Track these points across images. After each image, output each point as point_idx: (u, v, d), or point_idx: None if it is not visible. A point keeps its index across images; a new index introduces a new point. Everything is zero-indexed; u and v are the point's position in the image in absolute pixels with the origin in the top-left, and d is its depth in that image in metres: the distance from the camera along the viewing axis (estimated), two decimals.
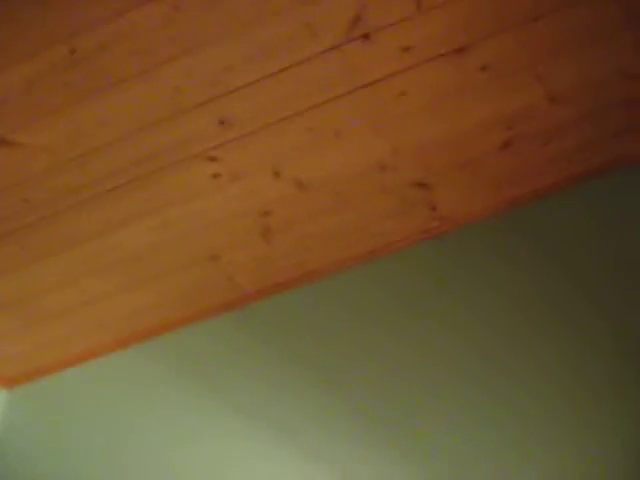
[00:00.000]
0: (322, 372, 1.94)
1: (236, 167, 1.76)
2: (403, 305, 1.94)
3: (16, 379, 2.26)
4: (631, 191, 1.87)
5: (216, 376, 2.02)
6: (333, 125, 1.71)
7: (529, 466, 1.75)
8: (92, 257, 1.91)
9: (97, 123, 1.63)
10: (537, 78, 1.70)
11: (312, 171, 1.79)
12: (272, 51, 1.55)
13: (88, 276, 1.96)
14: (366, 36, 1.56)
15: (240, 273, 2.00)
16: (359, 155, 1.78)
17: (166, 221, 1.86)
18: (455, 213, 1.96)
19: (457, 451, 1.80)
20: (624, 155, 1.91)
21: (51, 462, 2.14)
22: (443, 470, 1.81)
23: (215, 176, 1.77)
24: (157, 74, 1.57)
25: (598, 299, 1.82)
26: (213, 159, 1.74)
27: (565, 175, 1.94)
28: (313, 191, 1.83)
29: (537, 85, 1.72)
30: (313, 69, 1.61)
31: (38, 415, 2.20)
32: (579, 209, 1.91)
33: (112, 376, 2.14)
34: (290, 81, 1.62)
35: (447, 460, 1.81)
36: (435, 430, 1.83)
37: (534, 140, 1.83)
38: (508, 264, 1.91)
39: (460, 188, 1.91)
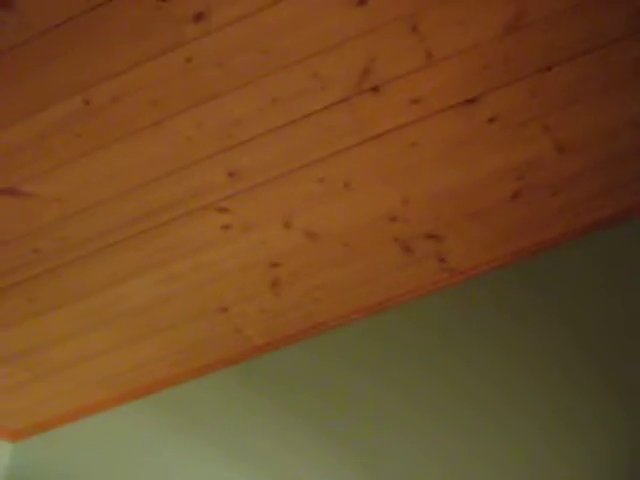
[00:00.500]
0: (325, 426, 1.91)
1: (246, 218, 1.75)
2: (406, 359, 1.92)
3: (21, 432, 2.22)
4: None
5: (218, 429, 1.99)
6: (343, 176, 1.71)
7: None
8: (98, 310, 1.89)
9: (108, 174, 1.63)
10: (546, 129, 1.71)
11: (322, 222, 1.78)
12: (282, 103, 1.56)
13: (94, 329, 1.94)
14: (376, 88, 1.57)
15: (248, 325, 1.98)
16: (369, 206, 1.77)
17: (174, 273, 1.84)
18: (464, 265, 1.95)
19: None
20: (634, 206, 1.91)
21: None
22: None
23: (225, 227, 1.76)
24: (168, 125, 1.58)
25: (597, 353, 1.80)
26: (223, 210, 1.73)
27: (574, 226, 1.94)
28: (323, 242, 1.82)
29: (546, 135, 1.73)
30: (323, 121, 1.61)
31: (42, 467, 2.16)
32: (587, 261, 1.91)
33: (116, 430, 2.11)
34: (300, 133, 1.63)
35: None
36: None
37: (543, 191, 1.83)
38: (512, 317, 1.90)
39: (470, 239, 1.90)
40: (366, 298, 1.97)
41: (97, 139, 1.55)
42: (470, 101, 1.62)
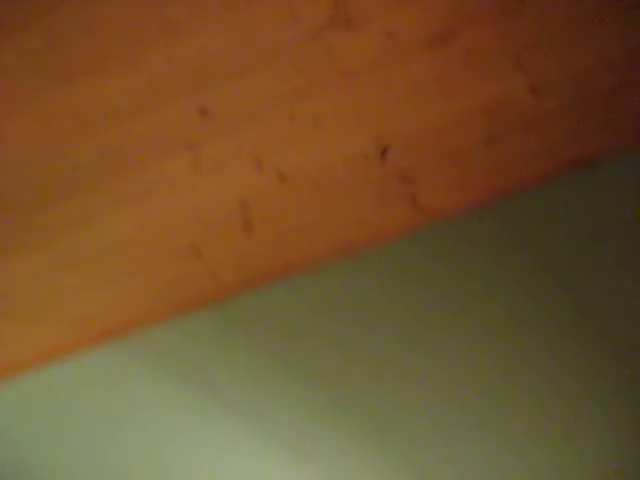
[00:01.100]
0: (304, 366, 1.91)
1: (217, 158, 1.73)
2: (386, 299, 1.92)
3: None
4: (616, 183, 1.87)
5: (198, 371, 1.99)
6: (315, 115, 1.69)
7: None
8: (67, 251, 1.87)
9: (72, 111, 1.59)
10: (520, 69, 1.69)
11: (294, 162, 1.77)
12: (253, 36, 1.53)
13: (63, 271, 1.92)
14: (348, 22, 1.54)
15: (221, 267, 1.97)
16: (341, 146, 1.76)
17: (143, 213, 1.82)
18: (437, 206, 1.94)
19: (445, 445, 1.79)
20: (608, 147, 1.90)
21: (32, 456, 2.09)
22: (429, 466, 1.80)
23: (195, 167, 1.74)
24: (137, 61, 1.55)
25: (581, 291, 1.81)
26: (193, 149, 1.71)
27: (547, 168, 1.93)
28: (295, 182, 1.80)
29: (520, 76, 1.71)
30: (295, 57, 1.59)
31: (10, 411, 2.15)
32: (562, 203, 1.91)
33: (87, 373, 2.10)
34: (271, 69, 1.60)
35: (432, 456, 1.80)
36: (422, 425, 1.82)
37: (517, 132, 1.82)
38: (489, 258, 1.90)
39: (443, 180, 1.89)
40: (339, 239, 1.96)
41: (59, 74, 1.51)
42: (442, 38, 1.59)
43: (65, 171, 1.69)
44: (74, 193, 1.74)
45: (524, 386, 1.85)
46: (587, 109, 1.81)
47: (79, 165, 1.69)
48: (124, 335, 2.10)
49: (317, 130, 1.72)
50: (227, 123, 1.68)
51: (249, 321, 1.97)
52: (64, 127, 1.60)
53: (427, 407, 1.89)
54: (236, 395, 1.94)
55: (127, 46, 1.51)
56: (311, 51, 1.56)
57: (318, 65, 1.59)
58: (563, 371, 1.81)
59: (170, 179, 1.76)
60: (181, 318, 2.04)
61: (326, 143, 1.74)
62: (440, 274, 1.89)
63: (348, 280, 1.94)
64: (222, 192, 1.80)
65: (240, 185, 1.79)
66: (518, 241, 1.88)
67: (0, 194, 1.68)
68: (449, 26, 1.57)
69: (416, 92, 1.69)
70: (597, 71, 1.73)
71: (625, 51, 1.69)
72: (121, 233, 1.85)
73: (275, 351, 1.93)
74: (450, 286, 1.87)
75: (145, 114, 1.64)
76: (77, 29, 1.43)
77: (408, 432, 1.89)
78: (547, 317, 1.82)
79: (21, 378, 2.19)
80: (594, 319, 1.80)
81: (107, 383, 2.06)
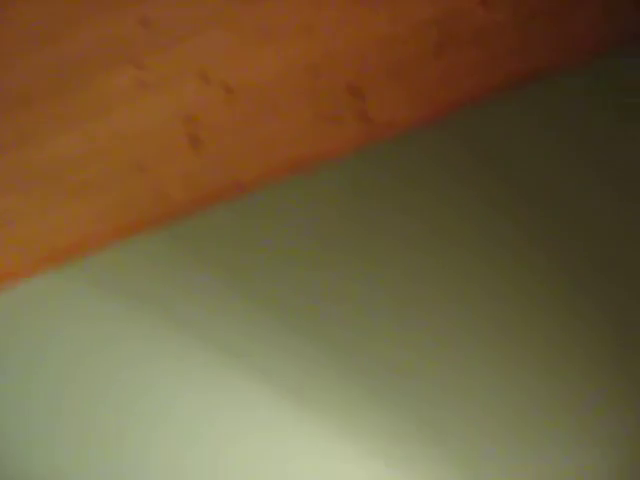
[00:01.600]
0: (257, 282, 1.92)
1: (161, 72, 1.68)
2: (337, 215, 1.92)
3: None
4: (564, 94, 1.87)
5: (148, 291, 1.98)
6: (262, 26, 1.64)
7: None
8: (10, 171, 1.82)
9: (14, 27, 1.53)
10: None
11: (241, 75, 1.73)
12: None
13: (7, 192, 1.87)
14: None
15: (170, 185, 1.94)
16: (289, 58, 1.72)
17: (87, 132, 1.77)
18: (387, 120, 1.93)
19: (400, 362, 1.83)
20: (552, 60, 1.91)
21: None
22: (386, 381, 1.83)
23: (140, 83, 1.69)
24: None
25: (536, 200, 1.85)
26: (136, 64, 1.66)
27: (495, 80, 1.93)
28: (243, 96, 1.77)
29: None
30: None
31: None
32: (512, 116, 1.91)
33: (35, 298, 2.07)
34: None
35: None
36: (379, 344, 1.85)
37: (466, 44, 1.81)
38: (444, 171, 1.91)
39: (393, 94, 1.88)
40: (289, 155, 1.93)
41: None
42: None
43: (6, 88, 1.63)
44: (11, 113, 1.68)
45: (485, 294, 1.89)
46: (534, 23, 1.80)
47: (14, 85, 1.63)
48: (72, 258, 2.06)
49: (264, 42, 1.68)
50: (170, 35, 1.63)
51: (200, 240, 1.95)
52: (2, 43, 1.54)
53: (385, 324, 1.92)
54: (188, 314, 1.94)
55: None
56: None
57: None
58: (530, 278, 1.85)
59: (113, 96, 1.71)
60: (131, 239, 2.01)
61: (273, 55, 1.70)
62: (393, 187, 1.89)
63: (299, 196, 1.93)
64: (167, 108, 1.75)
65: (186, 100, 1.74)
66: (471, 152, 1.88)
67: None
68: None
69: (365, 3, 1.66)
70: None
71: None
72: (64, 153, 1.80)
73: (228, 268, 1.93)
74: (403, 199, 1.88)
75: (82, 27, 1.57)
76: None
77: (364, 350, 1.92)
78: (501, 224, 1.85)
79: None
80: (554, 223, 1.83)
81: (55, 307, 2.04)
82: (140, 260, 1.99)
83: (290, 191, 1.94)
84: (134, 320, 2.01)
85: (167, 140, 1.82)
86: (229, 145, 1.87)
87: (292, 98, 1.80)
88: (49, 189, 1.88)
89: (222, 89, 1.74)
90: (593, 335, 1.90)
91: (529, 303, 1.89)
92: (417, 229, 1.90)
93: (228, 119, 1.81)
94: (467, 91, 1.91)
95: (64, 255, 2.04)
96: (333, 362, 1.94)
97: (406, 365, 1.95)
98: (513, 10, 1.78)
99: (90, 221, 1.99)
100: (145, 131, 1.80)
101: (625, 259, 1.85)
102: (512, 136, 1.88)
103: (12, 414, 2.10)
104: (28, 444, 2.12)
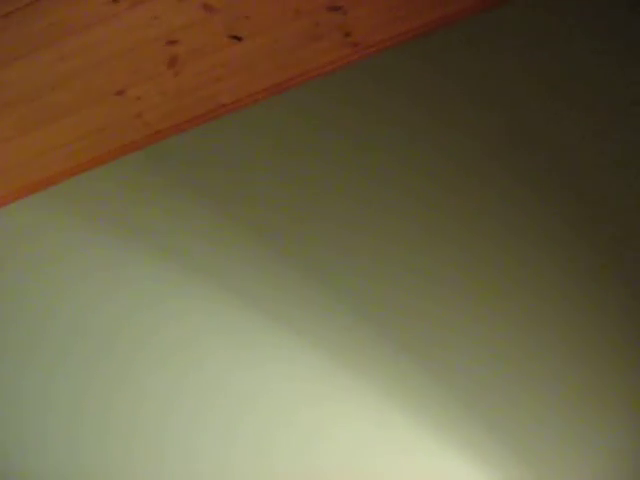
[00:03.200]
0: (239, 206, 1.91)
1: None
2: (322, 133, 1.91)
3: None
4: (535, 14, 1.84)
5: (132, 217, 1.97)
6: None
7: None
8: None
9: None
10: None
11: None
12: None
13: None
14: None
15: (149, 109, 1.90)
16: None
17: (63, 54, 1.72)
18: (370, 38, 1.89)
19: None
20: None
21: None
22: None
23: (114, 0, 1.63)
24: None
25: (516, 131, 1.85)
26: None
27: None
28: (222, 14, 1.71)
29: None
30: None
31: None
32: (490, 34, 1.88)
33: (15, 226, 2.05)
34: None
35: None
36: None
37: None
38: (427, 85, 1.89)
39: (375, 11, 1.83)
40: (270, 76, 1.89)
41: None
42: None
43: None
44: None
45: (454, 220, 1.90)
46: None
47: None
48: (49, 185, 2.04)
49: None
50: None
51: (179, 162, 1.93)
52: None
53: (369, 243, 1.93)
54: (166, 237, 1.93)
55: None
56: None
57: None
58: (495, 197, 1.86)
59: (86, 14, 1.65)
60: (109, 164, 1.99)
61: None
62: (377, 101, 1.87)
63: (280, 114, 1.90)
64: (144, 28, 1.70)
65: (164, 19, 1.69)
66: (449, 69, 1.86)
67: None
68: None
69: None
70: None
71: None
72: (40, 77, 1.75)
73: (208, 190, 1.91)
74: (388, 112, 1.86)
75: None
76: None
77: (336, 274, 1.94)
78: (481, 157, 1.85)
79: None
80: (535, 156, 1.84)
81: (35, 235, 2.03)
82: (119, 185, 1.97)
83: (270, 109, 1.91)
84: (115, 246, 2.01)
85: (145, 61, 1.77)
86: (209, 66, 1.82)
87: (272, 17, 1.75)
88: (23, 112, 1.84)
89: (200, 7, 1.69)
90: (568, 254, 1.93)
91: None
92: (404, 142, 1.89)
93: (207, 39, 1.76)
94: (449, 11, 1.87)
95: (42, 183, 2.01)
96: (316, 286, 1.96)
97: (392, 285, 1.98)
98: None
99: (68, 145, 1.95)
100: (121, 51, 1.75)
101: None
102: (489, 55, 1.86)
103: None
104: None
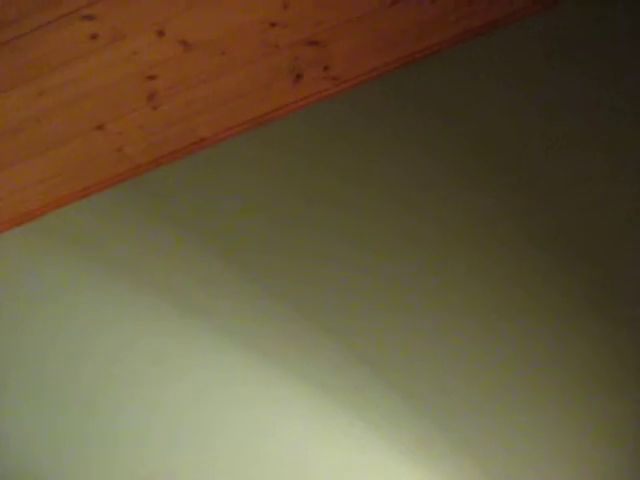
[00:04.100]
0: (223, 241, 1.92)
1: (116, 26, 1.64)
2: (304, 166, 1.92)
3: None
4: (520, 46, 1.87)
5: (107, 251, 1.97)
6: None
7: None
8: None
9: None
10: None
11: (198, 29, 1.69)
12: None
13: None
14: None
15: (128, 143, 1.91)
16: (247, 10, 1.68)
17: (43, 90, 1.73)
18: (348, 72, 1.91)
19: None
20: (504, 16, 1.89)
21: None
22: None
23: (93, 37, 1.65)
24: None
25: (489, 151, 1.86)
26: (90, 18, 1.61)
27: (450, 34, 1.91)
28: (200, 51, 1.73)
29: None
30: None
31: None
32: (462, 70, 1.90)
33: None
34: None
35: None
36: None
37: None
38: (399, 124, 1.91)
39: (352, 46, 1.85)
40: (249, 110, 1.91)
41: None
42: None
43: None
44: None
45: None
46: None
47: None
48: (32, 219, 2.04)
49: None
50: None
51: (159, 195, 1.94)
52: None
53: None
54: (147, 269, 1.94)
55: None
56: None
57: None
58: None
59: (67, 51, 1.67)
60: (91, 197, 1.99)
61: (231, 9, 1.67)
62: (356, 134, 1.89)
63: (258, 147, 1.92)
64: (124, 63, 1.72)
65: (142, 56, 1.71)
66: (425, 102, 1.88)
67: None
68: None
69: None
70: None
71: None
72: (21, 113, 1.76)
73: (188, 223, 1.92)
74: (367, 149, 1.88)
75: None
76: None
77: (328, 303, 1.94)
78: (469, 165, 1.86)
79: None
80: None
81: (19, 267, 2.02)
82: (100, 219, 1.98)
83: (250, 142, 1.93)
84: (94, 281, 2.01)
85: (125, 96, 1.79)
86: (188, 100, 1.84)
87: (250, 52, 1.77)
88: (2, 147, 1.84)
89: (179, 44, 1.71)
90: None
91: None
92: (392, 177, 1.90)
93: (186, 74, 1.77)
94: (426, 44, 1.90)
95: (22, 217, 2.01)
96: (306, 324, 1.97)
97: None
98: None
99: (48, 179, 1.96)
100: (102, 87, 1.76)
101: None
102: (469, 87, 1.89)
103: None
104: None
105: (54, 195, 2.01)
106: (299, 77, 1.88)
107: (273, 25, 1.73)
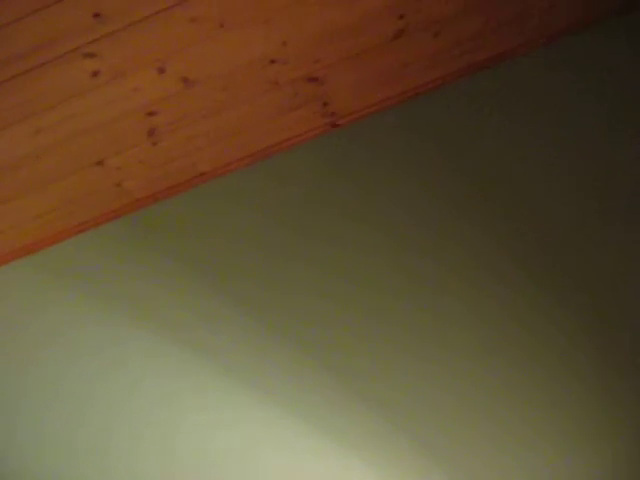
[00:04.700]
0: (221, 276, 1.92)
1: (116, 64, 1.65)
2: (294, 203, 1.92)
3: None
4: (521, 82, 1.89)
5: (105, 285, 1.96)
6: (217, 16, 1.62)
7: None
8: None
9: None
10: None
11: (198, 66, 1.70)
12: None
13: None
14: None
15: (128, 178, 1.91)
16: (246, 48, 1.70)
17: (43, 127, 1.73)
18: (348, 108, 1.93)
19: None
20: (512, 48, 1.91)
21: None
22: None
23: (94, 74, 1.65)
24: None
25: (489, 187, 1.87)
26: (91, 56, 1.62)
27: (454, 69, 1.93)
28: (200, 87, 1.74)
29: None
30: None
31: None
32: (465, 105, 1.92)
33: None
34: None
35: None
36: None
37: (424, 31, 1.80)
38: (399, 159, 1.92)
39: (352, 82, 1.87)
40: (248, 145, 1.92)
41: None
42: None
43: None
44: None
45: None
46: (492, 9, 1.80)
47: None
48: (31, 253, 2.04)
49: (221, 33, 1.65)
50: (125, 26, 1.60)
51: (159, 230, 1.94)
52: None
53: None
54: (145, 302, 1.93)
55: None
56: None
57: None
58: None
59: (67, 88, 1.68)
60: (90, 232, 1.99)
61: (230, 47, 1.68)
62: (353, 170, 1.90)
63: (257, 183, 1.92)
64: (124, 99, 1.72)
65: (143, 92, 1.72)
66: (427, 136, 1.90)
67: None
68: None
69: None
70: None
71: None
72: (21, 149, 1.77)
73: (188, 258, 1.92)
74: (367, 184, 1.89)
75: (35, 18, 1.54)
76: None
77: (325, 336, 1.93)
78: (464, 197, 1.87)
79: None
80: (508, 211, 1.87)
81: (18, 302, 2.02)
82: (99, 254, 1.97)
83: (250, 177, 1.93)
84: (92, 316, 2.00)
85: (125, 132, 1.79)
86: (188, 136, 1.85)
87: (250, 88, 1.79)
88: (5, 183, 1.85)
89: (179, 80, 1.72)
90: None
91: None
92: (390, 213, 1.91)
93: (186, 110, 1.78)
94: (427, 79, 1.91)
95: (20, 251, 2.01)
96: (300, 359, 1.96)
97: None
98: None
99: (47, 214, 1.96)
100: (102, 123, 1.77)
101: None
102: (463, 125, 1.90)
103: None
104: None
105: (52, 230, 2.01)
106: (298, 112, 1.89)
107: (273, 62, 1.74)
